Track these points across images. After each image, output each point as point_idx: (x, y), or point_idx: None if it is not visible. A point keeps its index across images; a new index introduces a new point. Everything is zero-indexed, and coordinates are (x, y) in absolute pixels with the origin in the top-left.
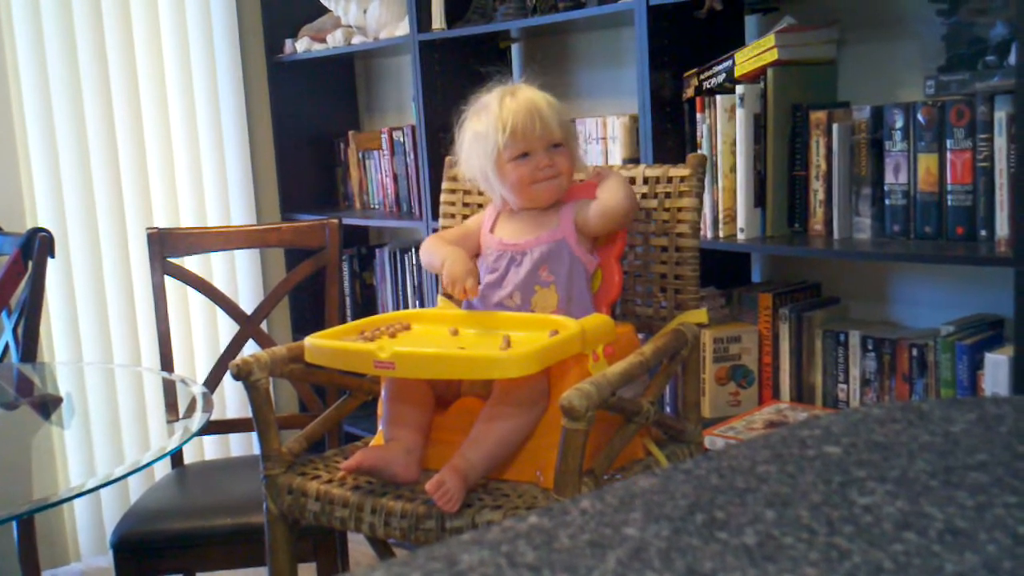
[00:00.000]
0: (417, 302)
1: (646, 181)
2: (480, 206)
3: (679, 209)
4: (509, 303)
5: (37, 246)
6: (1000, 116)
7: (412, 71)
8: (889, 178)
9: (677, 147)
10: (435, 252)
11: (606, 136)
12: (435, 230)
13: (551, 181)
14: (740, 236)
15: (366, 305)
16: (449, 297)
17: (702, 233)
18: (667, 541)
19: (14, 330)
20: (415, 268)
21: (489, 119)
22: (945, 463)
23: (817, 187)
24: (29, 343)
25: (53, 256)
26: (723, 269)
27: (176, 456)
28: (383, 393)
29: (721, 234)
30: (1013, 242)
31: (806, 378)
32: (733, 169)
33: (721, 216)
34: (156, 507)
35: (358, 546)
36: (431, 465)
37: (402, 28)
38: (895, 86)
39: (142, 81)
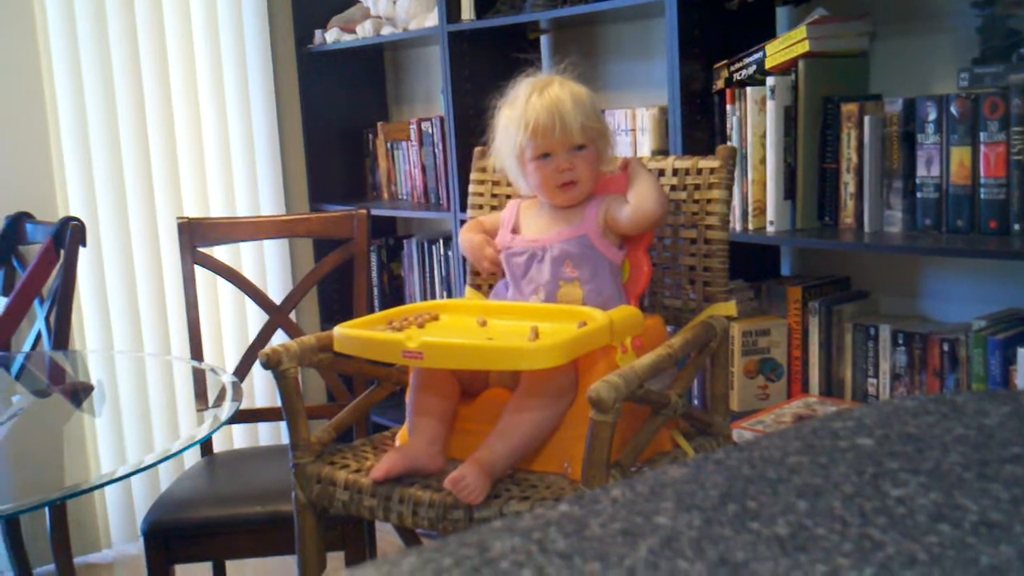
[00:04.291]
0: (445, 292)
1: (675, 173)
2: (508, 196)
3: (708, 201)
4: (534, 299)
5: (69, 235)
6: None
7: (441, 62)
8: (921, 171)
9: (707, 139)
10: (465, 237)
11: (635, 127)
12: (463, 221)
13: (569, 190)
14: (770, 229)
15: (394, 295)
16: (477, 288)
17: (731, 225)
18: (699, 531)
19: (46, 318)
20: (443, 259)
21: (514, 115)
22: (979, 456)
23: (848, 180)
24: (61, 331)
25: (85, 245)
26: (752, 262)
27: (205, 444)
28: (411, 383)
29: (750, 226)
30: None
31: (835, 372)
32: (763, 161)
33: (751, 208)
34: (186, 495)
35: (386, 535)
36: (458, 455)
37: (431, 19)
38: (928, 79)
39: (173, 71)
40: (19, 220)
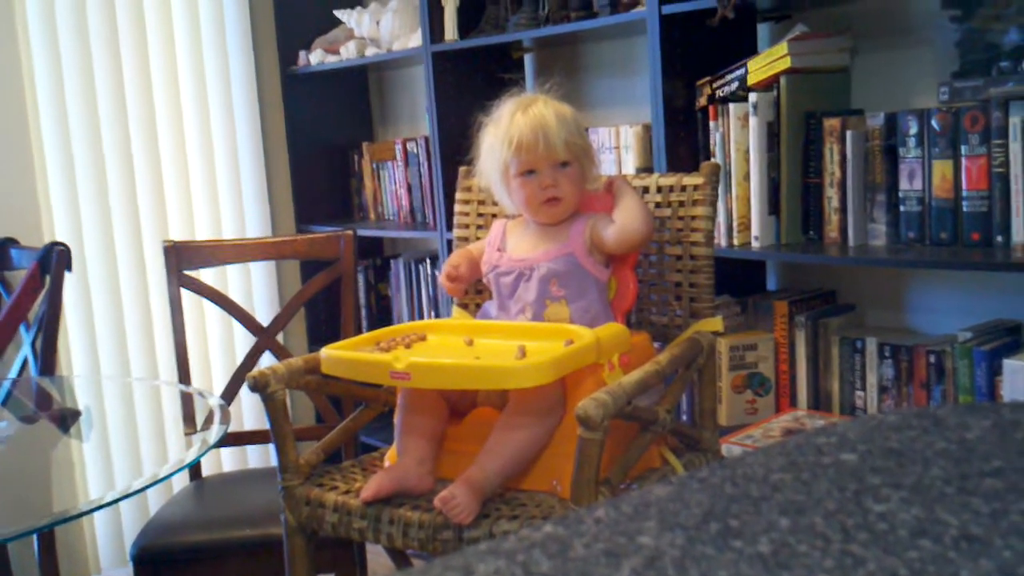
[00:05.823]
0: (432, 312)
1: (659, 190)
2: (494, 216)
3: (693, 218)
4: (521, 318)
5: (54, 260)
6: (1015, 121)
7: (425, 82)
8: (904, 184)
9: (690, 156)
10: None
11: (619, 145)
12: (449, 241)
13: (553, 206)
14: (755, 244)
15: (381, 316)
16: (464, 307)
17: (716, 241)
18: (681, 550)
19: (32, 344)
20: (430, 279)
21: (498, 133)
22: (960, 470)
23: (831, 194)
24: (47, 357)
25: (70, 270)
26: (738, 277)
27: (194, 468)
28: (399, 403)
29: (736, 242)
30: None
31: (823, 385)
32: (747, 177)
33: (735, 224)
34: (175, 519)
35: (376, 557)
36: (448, 475)
37: (415, 39)
38: (909, 93)
39: (157, 94)
40: (4, 246)
